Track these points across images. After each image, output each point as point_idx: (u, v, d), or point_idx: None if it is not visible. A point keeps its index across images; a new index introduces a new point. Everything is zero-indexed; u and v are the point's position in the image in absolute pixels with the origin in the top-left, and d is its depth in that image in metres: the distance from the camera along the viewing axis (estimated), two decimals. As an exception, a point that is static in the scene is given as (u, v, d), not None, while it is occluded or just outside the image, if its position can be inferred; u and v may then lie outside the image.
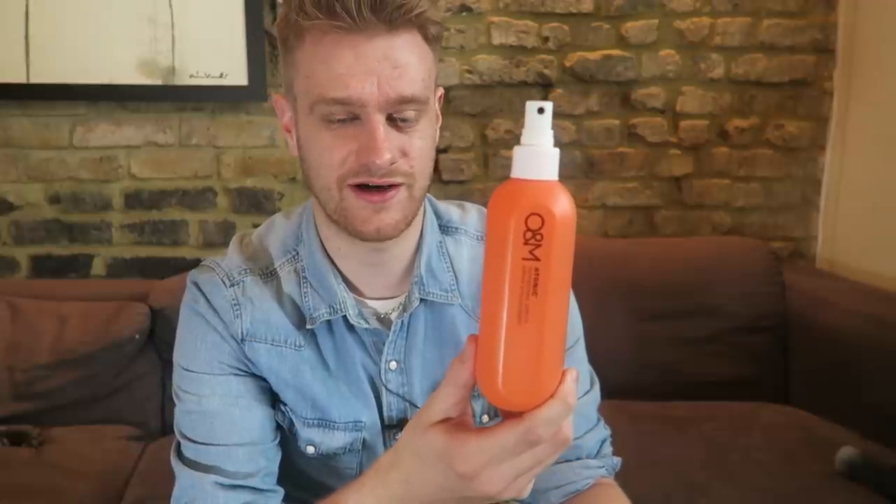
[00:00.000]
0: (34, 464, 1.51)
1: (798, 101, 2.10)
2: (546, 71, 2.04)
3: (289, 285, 0.82)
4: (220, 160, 2.01)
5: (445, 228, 0.88)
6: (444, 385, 0.54)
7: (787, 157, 2.13)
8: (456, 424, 0.55)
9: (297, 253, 0.84)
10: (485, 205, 0.95)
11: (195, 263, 2.08)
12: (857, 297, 1.80)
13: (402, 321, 0.82)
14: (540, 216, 0.48)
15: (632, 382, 1.76)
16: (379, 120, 0.70)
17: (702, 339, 1.85)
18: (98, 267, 2.03)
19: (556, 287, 0.49)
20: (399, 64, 0.69)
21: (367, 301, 0.83)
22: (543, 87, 2.06)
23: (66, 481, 1.45)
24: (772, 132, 2.12)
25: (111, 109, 1.97)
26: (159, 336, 1.73)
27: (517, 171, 0.50)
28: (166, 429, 1.74)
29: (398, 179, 0.72)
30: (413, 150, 0.72)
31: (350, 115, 0.70)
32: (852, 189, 2.05)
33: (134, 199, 2.01)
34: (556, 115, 0.50)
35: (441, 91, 0.81)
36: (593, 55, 2.05)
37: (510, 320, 0.49)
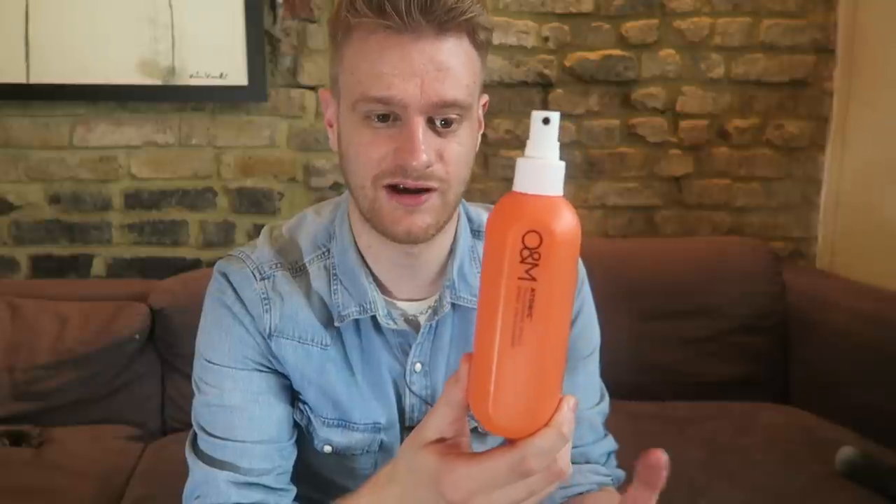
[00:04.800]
0: (34, 464, 1.51)
1: (798, 101, 2.10)
2: (546, 71, 2.04)
3: (318, 282, 0.81)
4: (220, 160, 2.01)
5: (476, 233, 0.87)
6: (438, 404, 0.53)
7: (787, 157, 2.13)
8: (449, 446, 0.53)
9: (328, 250, 0.83)
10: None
11: (195, 263, 2.10)
12: (857, 297, 1.80)
13: (431, 324, 0.81)
14: (538, 234, 0.45)
15: (632, 382, 1.76)
16: (419, 122, 0.69)
17: (702, 339, 1.85)
18: (98, 267, 2.03)
19: (553, 310, 0.47)
20: (444, 67, 0.68)
21: (397, 302, 0.82)
22: (543, 87, 2.06)
23: (66, 481, 1.45)
24: (772, 132, 2.11)
25: (111, 109, 1.97)
26: (159, 336, 1.73)
27: (518, 185, 0.47)
28: (166, 429, 1.74)
29: (432, 184, 0.71)
30: (450, 154, 0.71)
31: (391, 116, 0.70)
32: (852, 189, 2.05)
33: (134, 199, 2.01)
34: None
35: (485, 98, 0.80)
36: (593, 55, 2.05)
37: (503, 342, 0.47)
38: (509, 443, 0.50)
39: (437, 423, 0.54)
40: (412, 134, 0.69)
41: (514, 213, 0.46)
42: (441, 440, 0.54)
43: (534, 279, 0.46)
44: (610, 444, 0.93)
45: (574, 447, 0.83)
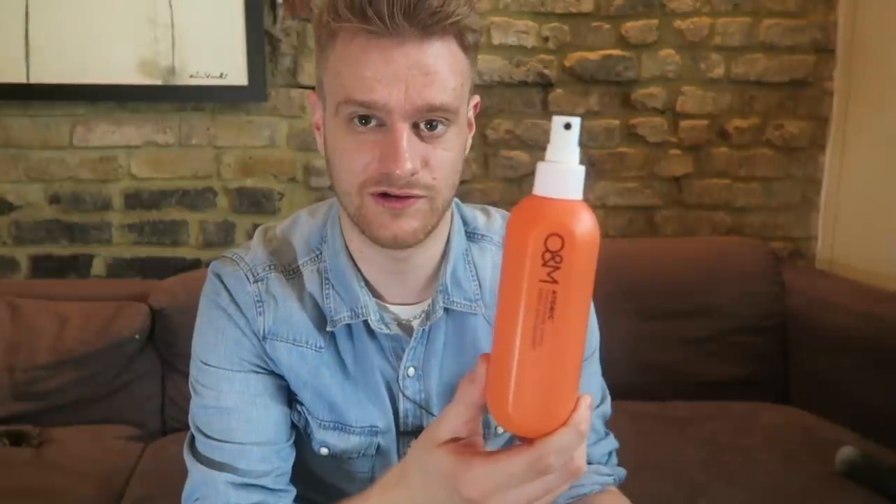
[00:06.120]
0: (34, 464, 1.51)
1: (798, 101, 2.10)
2: (546, 71, 2.04)
3: (311, 285, 0.81)
4: (220, 160, 2.01)
5: (471, 235, 0.86)
6: (453, 404, 0.53)
7: (787, 157, 2.13)
8: (465, 445, 0.53)
9: (321, 253, 0.82)
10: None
11: (195, 263, 2.10)
12: (857, 297, 1.80)
13: (424, 329, 0.81)
14: (560, 237, 0.46)
15: (632, 382, 1.76)
16: (403, 128, 0.67)
17: (702, 339, 1.85)
18: (98, 267, 2.03)
19: (573, 311, 0.47)
20: (429, 71, 0.67)
21: (389, 306, 0.82)
22: (543, 87, 2.06)
23: (66, 481, 1.45)
24: (772, 132, 2.11)
25: (111, 109, 1.97)
26: (159, 336, 1.73)
27: (539, 189, 0.48)
28: (166, 429, 1.74)
29: (418, 192, 0.70)
30: (436, 161, 0.70)
31: (375, 120, 0.69)
32: (852, 189, 2.05)
33: (134, 199, 2.01)
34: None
35: (476, 99, 0.79)
36: (593, 55, 2.05)
37: (524, 344, 0.47)
38: (526, 441, 0.50)
39: (452, 423, 0.54)
40: (396, 141, 0.67)
41: (536, 216, 0.47)
42: (455, 440, 0.54)
43: (555, 281, 0.47)
44: (611, 443, 0.93)
45: None
